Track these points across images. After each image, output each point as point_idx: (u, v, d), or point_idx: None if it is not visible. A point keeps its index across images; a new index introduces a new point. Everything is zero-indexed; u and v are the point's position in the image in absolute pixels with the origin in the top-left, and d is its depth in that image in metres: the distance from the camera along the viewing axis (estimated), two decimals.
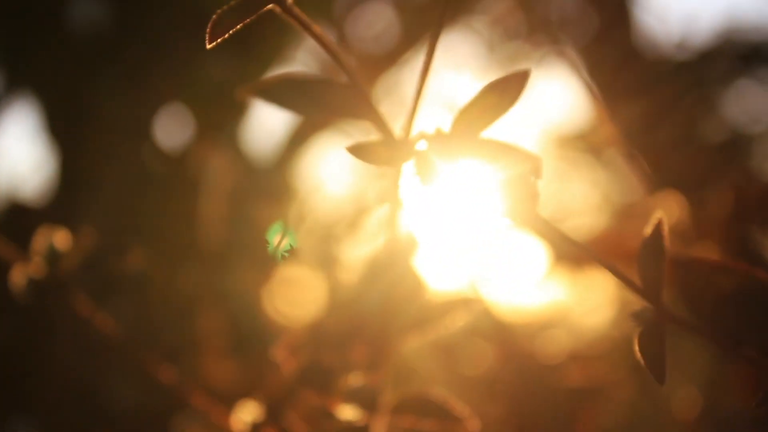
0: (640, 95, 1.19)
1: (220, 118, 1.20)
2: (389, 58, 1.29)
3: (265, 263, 0.89)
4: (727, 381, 0.80)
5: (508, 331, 0.83)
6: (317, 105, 0.41)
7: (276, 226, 0.87)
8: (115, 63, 1.18)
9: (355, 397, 0.51)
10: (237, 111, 1.22)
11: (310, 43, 0.39)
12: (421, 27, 1.28)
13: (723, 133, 1.34)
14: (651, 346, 0.38)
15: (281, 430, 0.55)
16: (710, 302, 0.40)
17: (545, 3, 1.22)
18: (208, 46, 0.37)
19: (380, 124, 0.41)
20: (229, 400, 0.58)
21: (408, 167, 0.38)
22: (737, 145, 1.33)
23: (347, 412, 0.51)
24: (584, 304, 1.01)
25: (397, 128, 0.41)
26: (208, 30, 0.37)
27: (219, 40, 0.37)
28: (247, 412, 0.55)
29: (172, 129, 1.21)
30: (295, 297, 0.88)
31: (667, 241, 0.39)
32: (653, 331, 0.38)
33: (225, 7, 0.37)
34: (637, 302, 0.40)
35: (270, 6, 0.38)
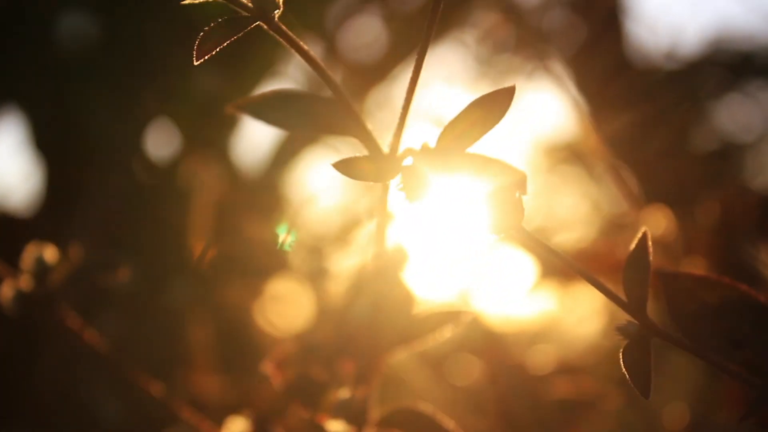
0: (630, 106, 1.20)
1: (210, 132, 1.20)
2: (380, 71, 1.30)
3: (254, 276, 0.89)
4: (714, 394, 0.80)
5: (497, 343, 0.83)
6: (305, 121, 0.41)
7: (265, 240, 0.87)
8: (103, 76, 1.18)
9: (343, 410, 0.51)
10: (226, 124, 1.23)
11: (299, 57, 0.39)
12: (412, 40, 1.29)
13: (712, 144, 1.34)
14: (636, 360, 0.38)
15: None
16: (695, 316, 0.40)
17: (534, 15, 1.22)
18: (196, 63, 0.37)
19: (367, 139, 0.41)
20: (217, 414, 0.58)
21: (395, 182, 0.38)
22: (726, 155, 1.34)
23: (335, 426, 0.51)
24: (573, 316, 1.01)
25: (385, 143, 0.41)
26: (195, 46, 0.37)
27: (206, 56, 0.37)
28: (236, 426, 0.55)
29: (161, 142, 1.21)
30: (284, 310, 0.87)
31: (652, 255, 0.39)
32: (638, 345, 0.39)
33: (213, 24, 0.38)
34: (623, 315, 0.40)
35: (257, 23, 0.38)
